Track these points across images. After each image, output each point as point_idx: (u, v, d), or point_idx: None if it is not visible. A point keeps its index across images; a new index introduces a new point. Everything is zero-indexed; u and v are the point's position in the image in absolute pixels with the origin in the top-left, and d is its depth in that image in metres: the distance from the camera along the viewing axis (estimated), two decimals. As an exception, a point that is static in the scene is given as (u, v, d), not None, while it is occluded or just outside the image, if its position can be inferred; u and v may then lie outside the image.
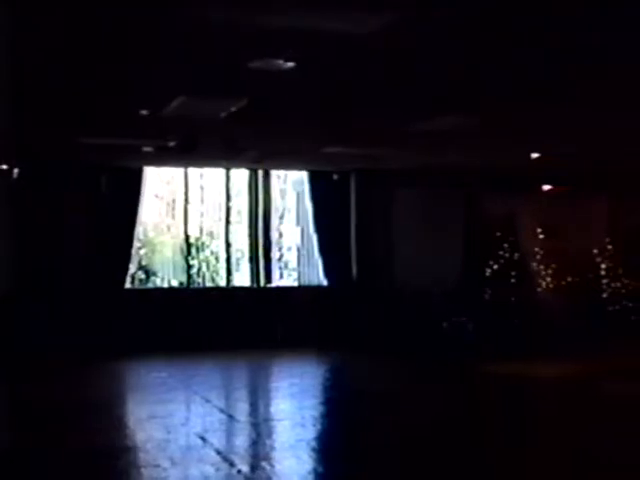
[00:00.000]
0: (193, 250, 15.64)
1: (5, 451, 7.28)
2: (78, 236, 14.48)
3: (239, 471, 6.99)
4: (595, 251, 17.00)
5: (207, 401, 10.30)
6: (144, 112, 9.61)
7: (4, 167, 12.01)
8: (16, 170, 11.10)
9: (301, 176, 15.93)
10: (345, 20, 6.26)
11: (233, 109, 9.45)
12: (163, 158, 13.49)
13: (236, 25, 6.37)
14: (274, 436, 8.78)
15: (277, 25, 6.37)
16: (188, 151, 11.64)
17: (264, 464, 7.30)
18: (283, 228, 16.24)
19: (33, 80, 8.23)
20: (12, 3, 5.80)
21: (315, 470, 7.36)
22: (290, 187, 16.20)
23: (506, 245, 16.35)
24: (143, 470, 7.24)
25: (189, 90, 8.79)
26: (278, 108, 9.76)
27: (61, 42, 6.90)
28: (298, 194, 16.13)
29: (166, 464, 7.19)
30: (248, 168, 15.44)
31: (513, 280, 16.27)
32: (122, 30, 6.53)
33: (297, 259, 16.33)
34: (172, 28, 6.45)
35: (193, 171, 15.41)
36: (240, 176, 15.74)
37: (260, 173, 15.74)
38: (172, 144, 11.63)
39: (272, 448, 8.14)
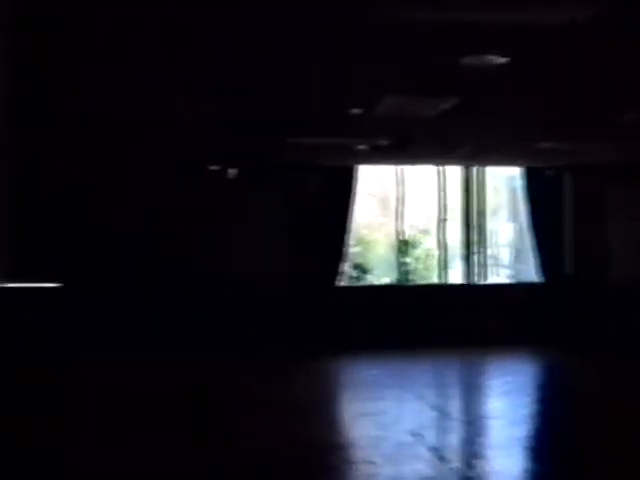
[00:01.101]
0: (406, 248, 15.72)
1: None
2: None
3: (452, 469, 7.00)
4: None
5: (419, 398, 10.34)
6: (355, 111, 9.71)
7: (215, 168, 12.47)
8: (233, 171, 11.48)
9: (514, 172, 15.74)
10: (556, 12, 6.14)
11: (445, 106, 9.43)
12: (376, 157, 13.60)
13: (444, 22, 6.36)
14: (487, 434, 8.74)
15: (488, 20, 6.32)
16: (402, 149, 11.71)
17: (477, 462, 7.27)
18: (497, 225, 16.10)
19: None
20: None
21: (528, 469, 7.28)
22: (503, 184, 16.05)
23: None
24: (356, 466, 7.36)
25: (400, 89, 8.83)
26: (490, 104, 9.67)
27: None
28: (512, 190, 15.96)
29: (379, 461, 7.28)
30: (461, 165, 15.39)
31: None
32: (335, 28, 6.62)
33: (511, 256, 16.15)
34: (381, 26, 6.50)
35: (406, 169, 15.49)
36: (454, 173, 15.70)
37: (474, 170, 15.65)
38: (385, 143, 11.71)
39: (485, 446, 8.10)
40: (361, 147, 12.42)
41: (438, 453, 7.49)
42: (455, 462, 7.24)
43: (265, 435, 8.31)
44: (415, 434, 8.18)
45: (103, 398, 10.28)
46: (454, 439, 8.49)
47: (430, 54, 7.35)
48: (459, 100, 9.17)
